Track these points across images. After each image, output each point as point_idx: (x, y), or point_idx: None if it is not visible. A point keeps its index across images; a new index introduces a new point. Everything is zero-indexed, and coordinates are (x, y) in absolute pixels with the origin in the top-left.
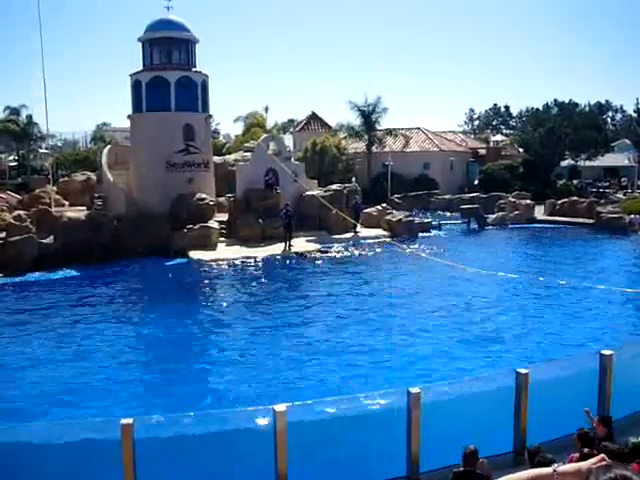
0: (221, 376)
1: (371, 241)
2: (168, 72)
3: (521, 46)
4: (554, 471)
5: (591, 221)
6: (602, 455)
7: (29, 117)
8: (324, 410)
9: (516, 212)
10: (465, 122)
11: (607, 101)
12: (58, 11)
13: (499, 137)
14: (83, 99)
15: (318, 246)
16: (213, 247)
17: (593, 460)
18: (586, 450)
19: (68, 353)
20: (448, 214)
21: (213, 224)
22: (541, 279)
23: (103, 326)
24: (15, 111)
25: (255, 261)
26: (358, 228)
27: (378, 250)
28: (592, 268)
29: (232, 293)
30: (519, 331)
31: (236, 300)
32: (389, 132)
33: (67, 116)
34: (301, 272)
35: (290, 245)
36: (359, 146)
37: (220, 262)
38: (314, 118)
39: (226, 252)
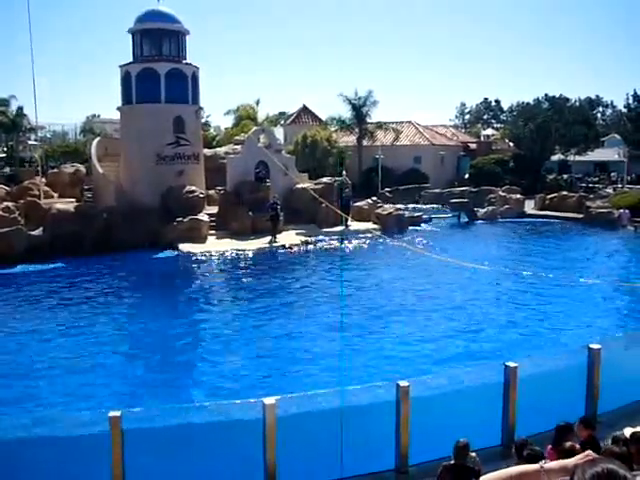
0: (209, 368)
1: (361, 235)
2: (158, 64)
3: (512, 41)
4: (541, 467)
5: (580, 216)
6: (588, 451)
7: (19, 108)
8: (313, 403)
9: (506, 206)
10: (456, 116)
11: (597, 96)
12: (48, 1)
13: (490, 131)
14: (73, 90)
15: (306, 239)
16: (203, 240)
17: (579, 456)
18: (568, 444)
19: (48, 344)
20: (438, 208)
21: (203, 217)
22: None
23: (84, 318)
24: (4, 102)
25: (245, 254)
26: (348, 221)
27: (367, 243)
28: (589, 263)
29: (220, 286)
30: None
31: (224, 292)
32: (380, 126)
33: (57, 107)
34: (289, 265)
35: (274, 238)
36: (350, 140)
37: (210, 255)
38: (305, 111)
39: (216, 245)
